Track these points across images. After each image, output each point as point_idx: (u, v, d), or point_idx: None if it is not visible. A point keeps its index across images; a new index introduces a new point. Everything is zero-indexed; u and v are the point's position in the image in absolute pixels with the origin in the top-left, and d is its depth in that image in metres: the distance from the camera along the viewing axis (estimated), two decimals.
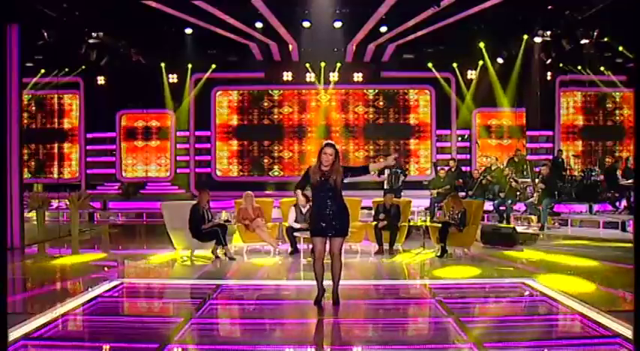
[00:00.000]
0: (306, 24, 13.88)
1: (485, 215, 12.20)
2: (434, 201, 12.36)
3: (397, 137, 17.48)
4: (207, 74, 17.01)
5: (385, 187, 12.09)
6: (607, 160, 16.02)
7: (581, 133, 17.44)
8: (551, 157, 15.70)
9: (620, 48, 14.88)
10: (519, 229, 10.80)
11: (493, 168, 12.96)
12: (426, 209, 12.80)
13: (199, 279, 7.26)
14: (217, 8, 12.57)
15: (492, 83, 16.61)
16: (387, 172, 12.24)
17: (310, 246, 8.70)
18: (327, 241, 5.48)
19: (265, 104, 17.46)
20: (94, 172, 17.51)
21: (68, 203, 11.12)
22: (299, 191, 5.73)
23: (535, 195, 12.03)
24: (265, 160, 17.50)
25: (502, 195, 12.11)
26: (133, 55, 15.24)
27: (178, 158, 17.53)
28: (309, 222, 5.76)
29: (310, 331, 4.98)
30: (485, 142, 17.36)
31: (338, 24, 14.06)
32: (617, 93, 17.19)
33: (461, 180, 13.11)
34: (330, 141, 5.74)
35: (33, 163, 10.40)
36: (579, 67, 16.57)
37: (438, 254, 8.61)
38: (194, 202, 8.84)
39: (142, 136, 17.50)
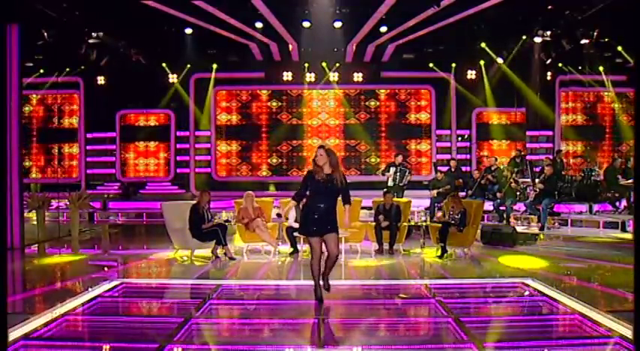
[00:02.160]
0: (306, 24, 13.88)
1: (485, 215, 12.20)
2: (434, 201, 12.36)
3: (397, 137, 17.49)
4: (208, 74, 17.03)
5: (389, 184, 12.09)
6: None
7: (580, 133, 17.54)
8: (551, 156, 15.71)
9: (620, 48, 14.89)
10: (519, 229, 10.80)
11: (493, 168, 12.96)
12: (426, 209, 12.80)
13: (199, 279, 7.26)
14: (217, 8, 12.57)
15: (492, 83, 16.63)
16: (392, 169, 12.26)
17: None
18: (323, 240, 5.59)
19: (265, 104, 17.47)
20: (94, 172, 17.53)
21: (68, 203, 11.13)
22: (293, 205, 5.86)
23: (532, 193, 12.04)
24: (266, 160, 17.52)
25: (499, 195, 12.10)
26: (133, 55, 15.24)
27: (178, 158, 17.54)
28: (301, 222, 5.80)
29: (310, 331, 4.98)
30: (485, 142, 17.39)
31: (338, 24, 14.07)
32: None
33: (461, 180, 13.12)
34: (321, 144, 5.86)
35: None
36: (579, 67, 16.57)
37: (438, 254, 8.61)
38: (194, 202, 8.83)
39: (142, 136, 17.50)
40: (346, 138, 17.33)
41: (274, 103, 17.48)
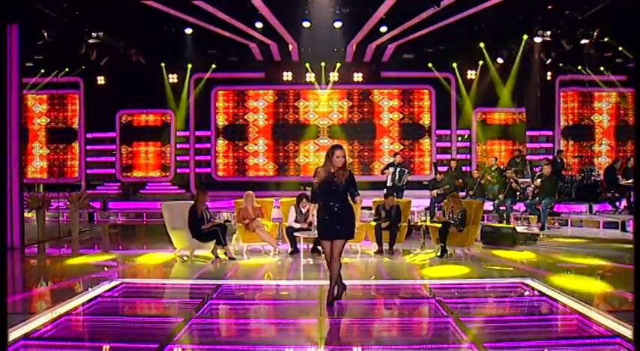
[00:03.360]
0: (306, 24, 13.88)
1: (485, 215, 12.19)
2: (434, 201, 12.35)
3: (397, 137, 17.49)
4: (208, 74, 17.02)
5: (388, 184, 12.08)
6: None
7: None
8: (551, 156, 15.72)
9: (620, 48, 14.89)
10: (519, 229, 10.80)
11: (493, 168, 12.96)
12: (426, 209, 12.80)
13: (199, 279, 7.26)
14: (217, 8, 12.56)
15: (492, 83, 16.63)
16: (391, 169, 12.25)
17: (310, 246, 8.75)
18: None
19: (265, 104, 17.48)
20: (94, 172, 17.53)
21: (68, 203, 11.13)
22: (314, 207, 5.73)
23: (529, 191, 12.04)
24: (267, 160, 17.53)
25: (501, 196, 12.11)
26: (133, 55, 15.24)
27: (178, 158, 17.54)
28: (315, 224, 5.71)
29: (310, 331, 4.98)
30: (485, 142, 17.40)
31: (338, 24, 14.06)
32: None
33: (461, 180, 13.11)
34: (337, 143, 5.69)
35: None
36: (579, 67, 16.58)
37: (438, 254, 8.60)
38: (193, 202, 8.82)
39: (142, 135, 17.50)
40: (346, 138, 17.32)
41: (274, 103, 17.48)
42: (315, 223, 8.70)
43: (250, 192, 9.31)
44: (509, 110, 17.07)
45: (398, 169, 12.17)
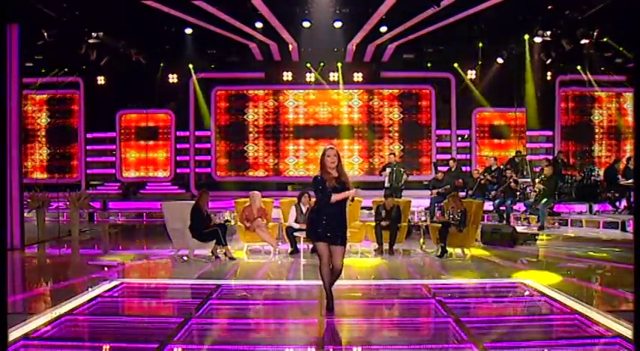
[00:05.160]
0: (306, 24, 13.89)
1: (485, 215, 12.20)
2: (434, 201, 12.36)
3: (397, 137, 17.49)
4: (207, 74, 17.02)
5: (386, 185, 12.08)
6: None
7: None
8: (550, 156, 15.71)
9: (620, 48, 14.89)
10: (519, 229, 10.80)
11: (493, 168, 12.97)
12: (426, 209, 12.80)
13: (199, 279, 7.26)
14: (217, 8, 12.57)
15: (491, 83, 16.63)
16: (388, 170, 12.25)
17: (310, 246, 8.74)
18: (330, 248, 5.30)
19: (266, 104, 17.48)
20: (94, 172, 17.53)
21: (68, 203, 11.12)
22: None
23: (532, 194, 12.05)
24: (267, 160, 17.53)
25: (493, 193, 12.12)
26: (133, 55, 15.24)
27: (178, 158, 17.54)
28: (308, 226, 5.57)
29: (310, 331, 4.98)
30: (485, 142, 17.39)
31: (338, 24, 14.08)
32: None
33: (461, 180, 13.12)
34: (329, 146, 5.56)
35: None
36: (579, 67, 16.57)
37: (438, 254, 8.61)
38: (193, 202, 8.82)
39: (142, 136, 17.51)
40: (345, 138, 17.31)
41: (274, 103, 17.48)
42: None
43: (257, 192, 9.25)
44: (509, 110, 17.05)
45: (394, 170, 12.16)
